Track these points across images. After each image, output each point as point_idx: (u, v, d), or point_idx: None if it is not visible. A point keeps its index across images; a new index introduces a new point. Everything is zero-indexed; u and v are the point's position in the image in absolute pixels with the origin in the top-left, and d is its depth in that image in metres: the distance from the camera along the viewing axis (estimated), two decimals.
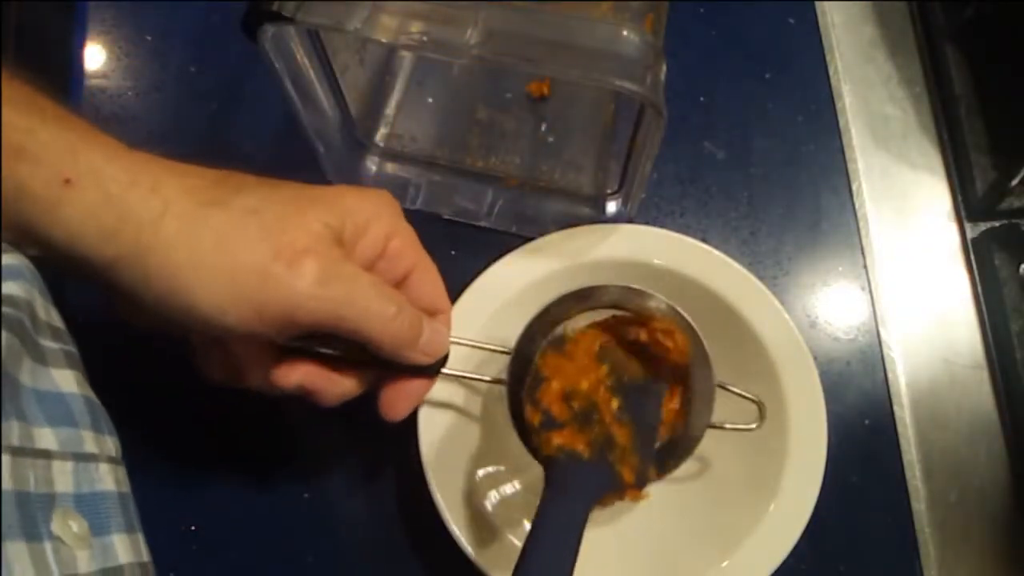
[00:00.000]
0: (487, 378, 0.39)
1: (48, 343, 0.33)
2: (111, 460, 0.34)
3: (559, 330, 0.39)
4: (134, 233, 0.29)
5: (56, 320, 0.35)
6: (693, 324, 0.38)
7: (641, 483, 0.37)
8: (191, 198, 0.31)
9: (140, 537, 0.34)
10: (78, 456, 0.31)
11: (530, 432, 0.37)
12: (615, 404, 0.37)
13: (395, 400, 0.37)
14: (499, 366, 0.39)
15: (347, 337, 0.33)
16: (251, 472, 0.44)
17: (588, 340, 0.39)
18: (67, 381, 0.32)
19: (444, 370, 0.38)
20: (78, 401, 0.32)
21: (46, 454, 0.29)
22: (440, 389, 0.41)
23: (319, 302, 0.31)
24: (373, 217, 0.36)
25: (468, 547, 0.39)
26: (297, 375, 0.34)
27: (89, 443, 0.32)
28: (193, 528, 0.43)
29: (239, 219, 0.31)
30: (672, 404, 0.39)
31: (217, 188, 0.32)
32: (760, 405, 0.40)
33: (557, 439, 0.37)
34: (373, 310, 0.33)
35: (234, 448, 0.45)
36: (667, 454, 0.38)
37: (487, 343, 0.39)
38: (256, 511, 0.44)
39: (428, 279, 0.38)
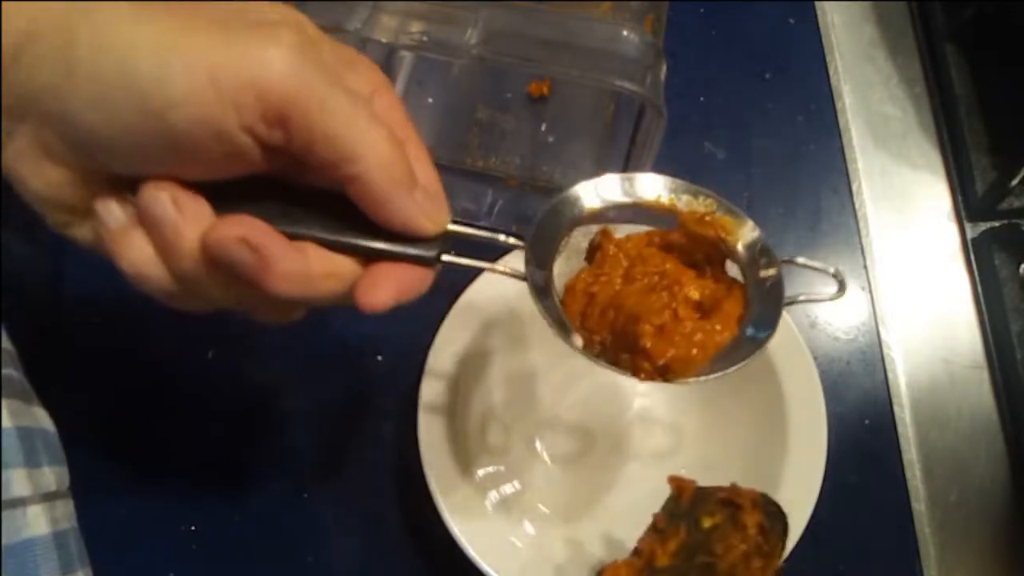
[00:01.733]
0: (504, 268, 0.31)
1: None
2: (46, 497, 0.31)
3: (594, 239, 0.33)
4: (63, 5, 0.24)
5: None
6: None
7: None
8: None
9: (80, 574, 0.31)
10: (3, 504, 0.28)
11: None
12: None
13: (377, 281, 0.27)
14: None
15: (317, 156, 0.25)
16: (250, 473, 0.44)
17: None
18: None
19: (446, 258, 0.28)
20: (9, 437, 0.29)
21: None
22: (441, 387, 0.41)
23: (292, 74, 0.24)
24: (359, 59, 0.30)
25: (468, 547, 0.39)
26: (238, 226, 0.25)
27: (18, 484, 0.29)
28: (193, 528, 0.43)
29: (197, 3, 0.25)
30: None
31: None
32: (838, 275, 0.32)
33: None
34: (359, 115, 0.25)
35: (234, 449, 0.45)
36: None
37: (498, 233, 0.31)
38: (255, 511, 0.44)
39: (421, 155, 0.29)
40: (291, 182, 0.27)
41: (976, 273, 0.50)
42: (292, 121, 0.24)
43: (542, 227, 0.31)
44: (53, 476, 0.31)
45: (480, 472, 0.42)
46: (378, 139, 0.25)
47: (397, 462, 0.44)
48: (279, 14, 0.26)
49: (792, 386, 0.42)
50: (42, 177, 0.25)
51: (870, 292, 0.49)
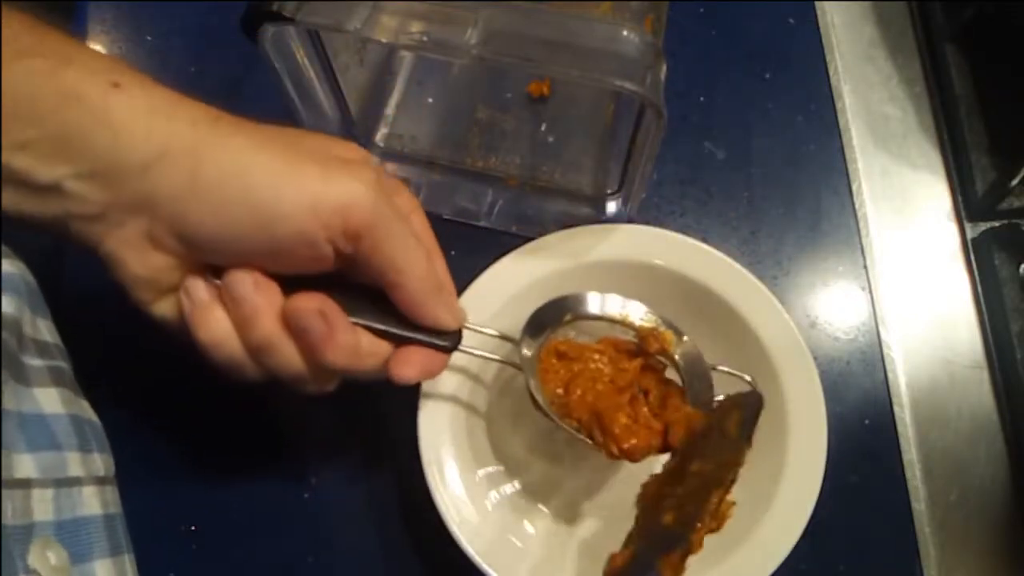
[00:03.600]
0: (498, 358, 0.39)
1: (33, 361, 0.32)
2: (98, 481, 0.33)
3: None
4: (188, 125, 0.29)
5: (44, 333, 0.34)
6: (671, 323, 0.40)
7: None
8: (241, 120, 0.31)
9: (127, 559, 0.33)
10: (60, 482, 0.30)
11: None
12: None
13: (407, 361, 0.35)
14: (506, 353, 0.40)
15: (375, 270, 0.32)
16: (251, 473, 0.44)
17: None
18: (51, 401, 0.32)
19: (461, 347, 0.37)
20: (62, 421, 0.32)
21: (25, 483, 0.28)
22: (441, 387, 0.41)
23: (371, 207, 0.30)
24: (400, 187, 0.36)
25: (468, 547, 0.39)
26: (316, 299, 0.31)
27: (74, 466, 0.31)
28: (193, 528, 0.43)
29: (294, 135, 0.32)
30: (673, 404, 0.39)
31: (263, 125, 0.32)
32: (753, 383, 0.40)
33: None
34: (411, 244, 0.32)
35: (234, 449, 0.45)
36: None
37: (498, 331, 0.39)
38: (256, 511, 0.44)
39: (440, 263, 0.37)
40: (344, 278, 0.34)
41: (976, 273, 0.50)
42: (363, 239, 0.31)
43: (530, 325, 0.39)
44: (102, 463, 0.33)
45: (480, 472, 0.42)
46: (420, 257, 0.33)
47: (397, 462, 0.44)
48: (355, 153, 0.33)
49: (792, 386, 0.42)
50: (144, 262, 0.30)
51: (870, 292, 0.49)
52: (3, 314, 0.29)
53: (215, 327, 0.32)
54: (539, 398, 0.38)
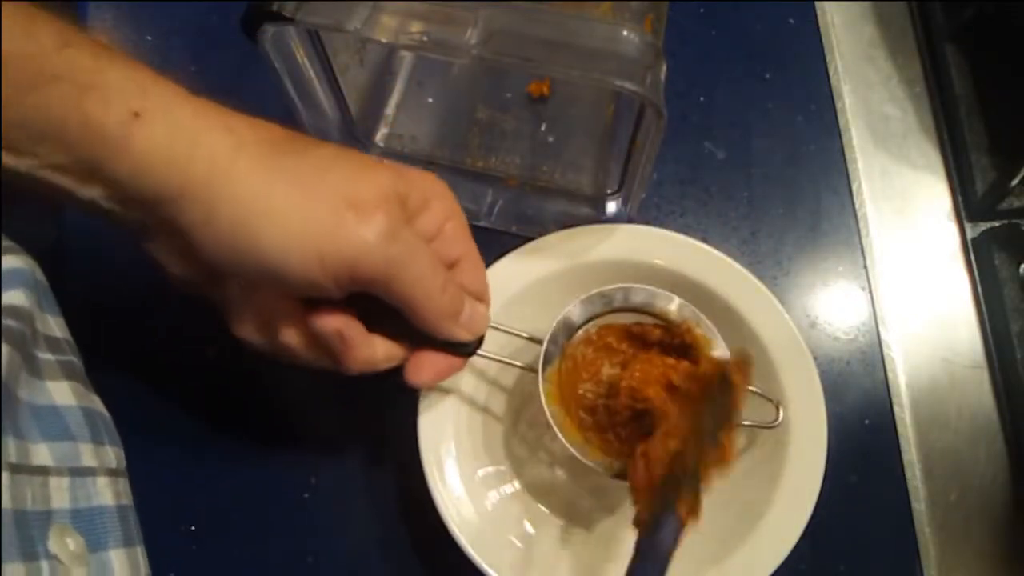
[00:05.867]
0: (520, 364, 0.40)
1: (44, 355, 0.32)
2: (110, 472, 0.33)
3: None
4: (206, 163, 0.29)
5: (54, 329, 0.34)
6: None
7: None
8: (265, 142, 0.31)
9: (139, 550, 0.33)
10: (75, 471, 0.30)
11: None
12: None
13: (422, 365, 0.36)
14: (526, 356, 0.40)
15: (391, 301, 0.33)
16: (251, 473, 0.44)
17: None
18: (63, 394, 0.32)
19: (479, 352, 0.38)
20: (75, 414, 0.32)
21: (43, 470, 0.29)
22: (441, 387, 0.41)
23: (381, 257, 0.31)
24: (434, 196, 0.36)
25: (468, 547, 0.39)
26: (337, 321, 0.33)
27: (87, 456, 0.32)
28: (193, 528, 0.43)
29: (315, 167, 0.31)
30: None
31: (290, 141, 0.32)
32: (777, 404, 0.40)
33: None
34: (426, 278, 0.33)
35: (234, 449, 0.45)
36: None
37: (523, 331, 0.40)
38: (256, 511, 0.44)
39: (475, 268, 0.38)
40: None
41: (976, 273, 0.50)
42: (374, 286, 0.32)
43: (556, 332, 0.39)
44: (113, 455, 0.34)
45: (480, 472, 0.42)
46: (433, 290, 0.33)
47: (397, 462, 0.44)
48: (375, 191, 0.32)
49: (792, 386, 0.42)
50: (175, 266, 0.32)
51: (870, 292, 0.49)
52: (17, 307, 0.29)
53: (246, 326, 0.34)
54: (561, 436, 0.38)
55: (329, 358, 0.34)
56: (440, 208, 0.36)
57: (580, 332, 0.40)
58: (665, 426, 0.36)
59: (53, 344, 0.33)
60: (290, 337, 0.34)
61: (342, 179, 0.31)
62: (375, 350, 0.35)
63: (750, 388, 0.39)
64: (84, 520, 0.30)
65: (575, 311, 0.40)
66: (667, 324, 0.40)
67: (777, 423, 0.40)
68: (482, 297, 0.38)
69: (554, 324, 0.39)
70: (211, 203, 0.29)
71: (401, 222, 0.32)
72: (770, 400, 0.41)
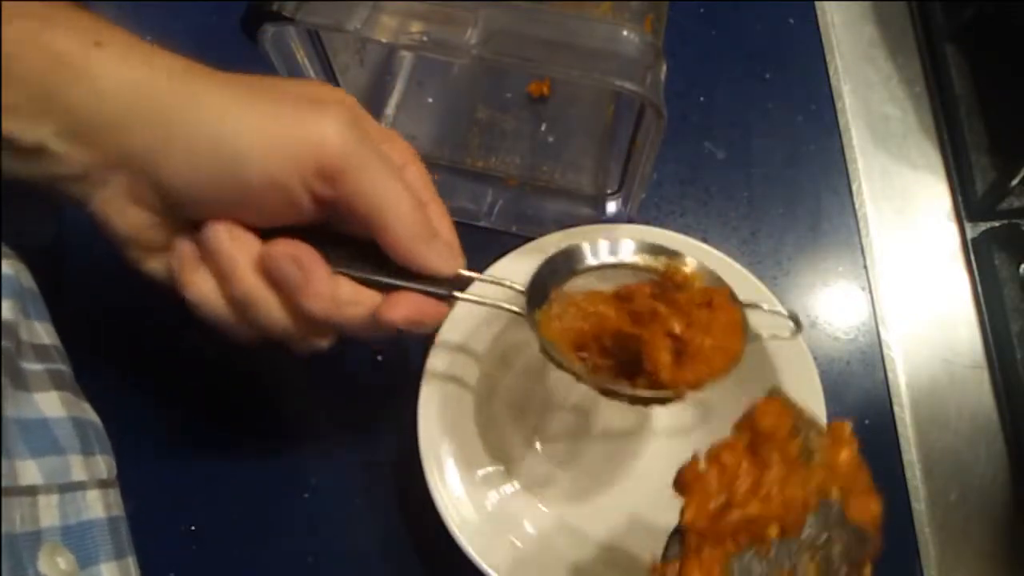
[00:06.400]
0: (507, 306, 0.36)
1: (32, 365, 0.32)
2: (101, 484, 0.33)
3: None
4: (165, 78, 0.29)
5: (42, 336, 0.34)
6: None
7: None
8: (216, 71, 0.31)
9: (130, 561, 0.33)
10: (64, 487, 0.30)
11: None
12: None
13: (398, 302, 0.33)
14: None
15: (360, 218, 0.31)
16: (251, 473, 0.44)
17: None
18: (52, 405, 0.32)
19: (459, 295, 0.35)
20: (64, 425, 0.32)
21: (32, 490, 0.28)
22: (441, 387, 0.41)
23: (345, 142, 0.30)
24: (395, 138, 0.35)
25: (468, 547, 0.39)
26: (292, 246, 0.31)
27: (77, 469, 0.31)
28: (193, 528, 0.43)
29: (272, 81, 0.32)
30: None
31: (240, 74, 0.32)
32: (794, 318, 0.38)
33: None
34: (394, 187, 0.31)
35: (234, 449, 0.45)
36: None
37: (502, 279, 0.36)
38: (256, 511, 0.44)
39: (444, 216, 0.36)
40: (334, 231, 0.33)
41: (976, 273, 0.50)
42: (339, 179, 0.30)
43: (538, 275, 0.36)
44: (104, 465, 0.33)
45: (480, 472, 0.42)
46: (404, 197, 0.31)
47: (397, 462, 0.44)
48: (333, 96, 0.32)
49: (792, 386, 0.42)
50: (127, 219, 0.31)
51: (870, 292, 0.49)
52: (2, 321, 0.29)
53: (200, 285, 0.31)
54: (552, 352, 0.35)
55: (288, 301, 0.32)
56: (402, 146, 0.35)
57: (567, 283, 0.37)
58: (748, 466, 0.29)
59: (41, 352, 0.33)
60: (248, 283, 0.31)
61: (301, 86, 0.32)
62: (339, 286, 0.32)
63: (762, 306, 0.37)
64: (75, 536, 0.30)
65: (559, 260, 0.37)
66: (659, 275, 0.37)
67: (799, 333, 0.38)
68: (454, 246, 0.36)
69: (537, 267, 0.37)
70: (169, 121, 0.29)
71: (364, 121, 0.32)
72: (785, 315, 0.38)
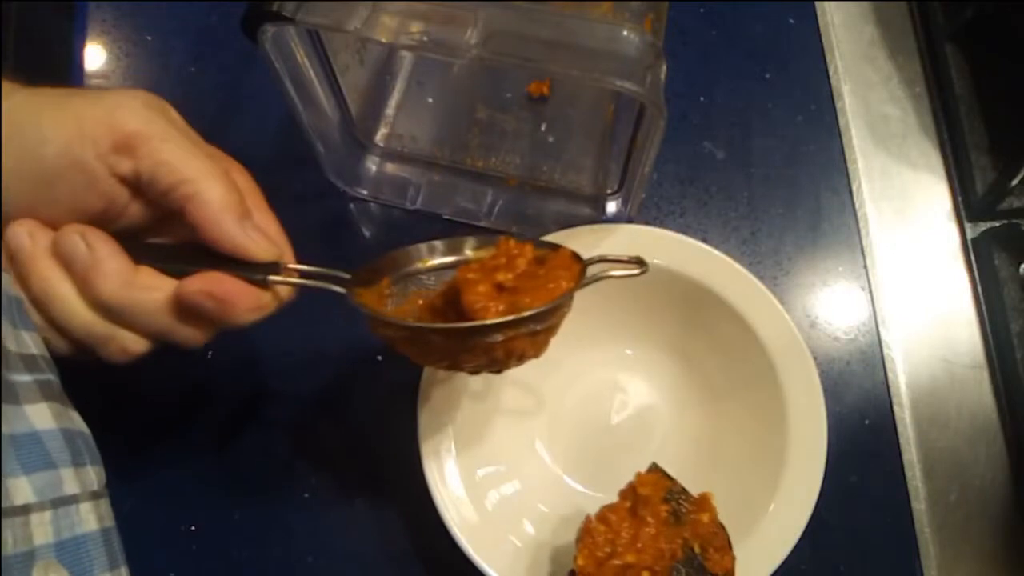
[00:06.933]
0: (327, 285, 0.34)
1: (21, 377, 0.31)
2: (93, 496, 0.32)
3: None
4: None
5: (30, 346, 0.33)
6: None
7: None
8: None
9: (123, 572, 0.32)
10: (57, 502, 0.29)
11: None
12: None
13: (197, 277, 0.31)
14: None
15: (163, 191, 0.31)
16: (251, 473, 0.44)
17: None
18: (42, 417, 0.31)
19: (272, 278, 0.33)
20: (55, 438, 0.31)
21: (24, 509, 0.28)
22: (441, 388, 0.41)
23: (139, 110, 0.31)
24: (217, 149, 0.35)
25: (468, 547, 0.39)
26: (80, 227, 0.31)
27: (69, 482, 0.31)
28: (193, 528, 0.43)
29: (78, 89, 0.34)
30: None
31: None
32: (638, 260, 0.36)
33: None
34: (198, 159, 0.31)
35: (234, 449, 0.45)
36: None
37: (330, 270, 0.34)
38: (256, 511, 0.44)
39: (268, 214, 0.35)
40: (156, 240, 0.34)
41: (976, 273, 0.50)
42: (137, 150, 0.30)
43: (371, 264, 0.35)
44: (95, 476, 0.33)
45: (480, 472, 0.42)
46: (210, 169, 0.31)
47: (397, 462, 0.44)
48: (138, 91, 0.32)
49: (792, 386, 0.42)
50: None
51: (870, 292, 0.49)
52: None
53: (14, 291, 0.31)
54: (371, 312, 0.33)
55: (81, 286, 0.31)
56: (226, 156, 0.35)
57: (403, 277, 0.37)
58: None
59: (29, 362, 0.32)
60: (43, 274, 0.31)
61: (112, 90, 0.34)
62: (137, 272, 0.31)
63: (607, 257, 0.36)
64: (69, 551, 0.29)
65: (397, 256, 0.36)
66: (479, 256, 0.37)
67: (645, 270, 0.36)
68: (275, 239, 0.34)
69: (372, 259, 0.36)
70: None
71: (168, 111, 0.32)
72: (625, 259, 0.36)
